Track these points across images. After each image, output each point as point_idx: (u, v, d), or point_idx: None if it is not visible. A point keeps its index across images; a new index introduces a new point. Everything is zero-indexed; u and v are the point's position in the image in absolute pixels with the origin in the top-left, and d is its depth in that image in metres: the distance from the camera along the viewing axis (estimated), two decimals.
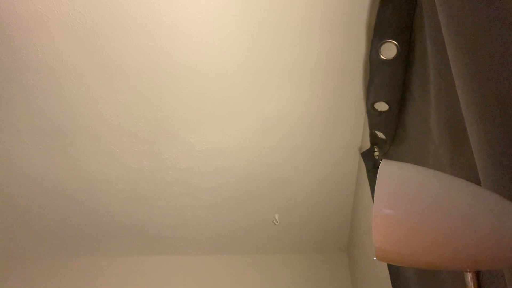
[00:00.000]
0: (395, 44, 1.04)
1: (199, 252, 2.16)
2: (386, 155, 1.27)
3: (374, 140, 1.35)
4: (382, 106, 1.18)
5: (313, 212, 1.91)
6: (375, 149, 1.37)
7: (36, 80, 1.33)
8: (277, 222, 1.94)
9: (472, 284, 0.50)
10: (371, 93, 1.19)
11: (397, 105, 1.13)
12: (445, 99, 0.81)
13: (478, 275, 0.50)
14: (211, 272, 2.14)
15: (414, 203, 0.49)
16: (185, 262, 2.16)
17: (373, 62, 1.12)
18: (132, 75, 1.33)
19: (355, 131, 1.53)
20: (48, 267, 2.10)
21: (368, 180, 1.41)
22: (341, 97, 1.40)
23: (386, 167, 0.52)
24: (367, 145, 1.42)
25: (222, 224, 1.97)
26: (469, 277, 0.50)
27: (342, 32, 1.21)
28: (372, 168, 1.40)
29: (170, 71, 1.32)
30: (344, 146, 1.59)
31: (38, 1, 1.14)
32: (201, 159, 1.63)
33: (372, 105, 1.20)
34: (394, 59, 1.05)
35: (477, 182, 0.62)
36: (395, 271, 1.24)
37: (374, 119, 1.24)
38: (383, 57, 1.07)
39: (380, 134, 1.27)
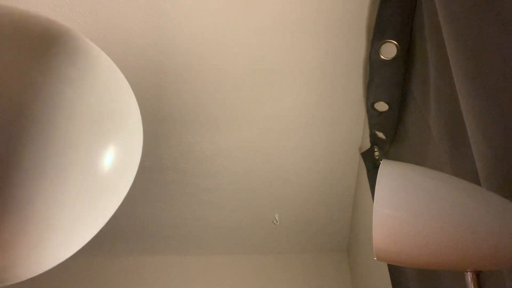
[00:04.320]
0: (395, 44, 1.04)
1: (199, 252, 2.16)
2: (386, 155, 1.27)
3: (374, 140, 1.35)
4: (382, 106, 1.18)
5: (313, 212, 1.91)
6: (375, 149, 1.37)
7: None
8: (277, 222, 1.94)
9: (472, 284, 0.50)
10: (371, 93, 1.19)
11: (397, 105, 1.13)
12: (445, 99, 0.81)
13: (478, 275, 0.50)
14: (211, 272, 2.14)
15: (414, 203, 0.49)
16: (185, 262, 2.16)
17: (373, 62, 1.12)
18: (132, 75, 1.33)
19: (355, 131, 1.53)
20: None
21: (368, 180, 1.41)
22: (341, 97, 1.40)
23: (386, 167, 0.52)
24: (367, 145, 1.42)
25: (222, 224, 1.97)
26: (469, 277, 0.50)
27: (342, 32, 1.21)
28: (372, 168, 1.40)
29: (170, 71, 1.32)
30: (344, 146, 1.59)
31: (38, 1, 1.14)
32: (201, 159, 1.63)
33: (372, 105, 1.20)
34: (394, 59, 1.06)
35: (477, 182, 0.62)
36: (395, 271, 1.24)
37: (374, 119, 1.24)
38: (383, 57, 1.07)
39: (380, 134, 1.27)
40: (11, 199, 0.54)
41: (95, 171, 0.62)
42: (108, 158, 0.64)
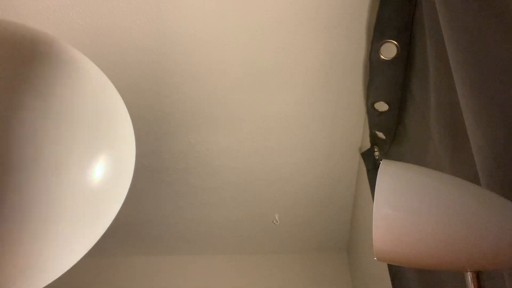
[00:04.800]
0: (395, 44, 1.04)
1: (199, 252, 2.16)
2: (386, 155, 1.27)
3: (374, 140, 1.35)
4: (382, 106, 1.18)
5: (313, 212, 1.91)
6: (375, 149, 1.37)
7: None
8: (277, 222, 1.94)
9: (472, 284, 0.50)
10: (371, 93, 1.19)
11: (397, 105, 1.13)
12: (445, 99, 0.81)
13: (478, 275, 0.50)
14: (211, 272, 2.14)
15: (414, 203, 0.49)
16: (185, 262, 2.16)
17: (373, 62, 1.12)
18: (132, 75, 1.33)
19: (355, 131, 1.53)
20: None
21: (368, 180, 1.41)
22: (341, 97, 1.40)
23: (386, 167, 0.52)
24: (367, 145, 1.42)
25: (222, 224, 1.97)
26: (469, 277, 0.50)
27: (342, 32, 1.21)
28: (372, 168, 1.40)
29: (170, 71, 1.32)
30: (344, 146, 1.59)
31: (38, 1, 1.14)
32: (201, 159, 1.63)
33: (372, 105, 1.20)
34: (394, 59, 1.06)
35: (477, 182, 0.62)
36: (395, 271, 1.24)
37: (374, 119, 1.24)
38: (383, 57, 1.07)
39: (380, 134, 1.27)
40: (7, 214, 0.52)
41: (90, 183, 0.61)
42: (102, 169, 0.62)
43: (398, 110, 1.14)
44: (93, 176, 0.61)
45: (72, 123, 0.59)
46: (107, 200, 0.67)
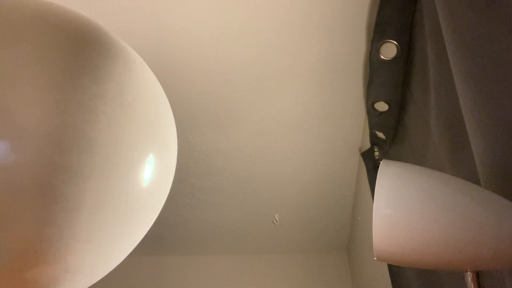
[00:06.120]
0: (395, 44, 1.04)
1: (199, 252, 2.16)
2: (386, 155, 1.27)
3: (374, 140, 1.35)
4: (382, 106, 1.18)
5: (313, 212, 1.91)
6: (375, 149, 1.37)
7: None
8: (277, 222, 1.94)
9: (472, 284, 0.50)
10: (371, 93, 1.19)
11: (397, 105, 1.13)
12: (445, 99, 0.81)
13: (478, 275, 0.50)
14: (211, 272, 2.14)
15: (414, 203, 0.49)
16: (185, 262, 2.16)
17: (373, 62, 1.12)
18: None
19: (355, 131, 1.53)
20: None
21: (368, 180, 1.41)
22: (341, 97, 1.40)
23: (386, 167, 0.52)
24: (367, 145, 1.42)
25: (222, 224, 1.97)
26: (469, 277, 0.50)
27: (342, 32, 1.21)
28: (372, 168, 1.40)
29: (170, 71, 1.32)
30: (344, 146, 1.59)
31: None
32: (201, 159, 1.63)
33: (372, 105, 1.20)
34: (394, 59, 1.06)
35: (477, 182, 0.62)
36: (395, 271, 1.24)
37: (374, 119, 1.24)
38: (383, 57, 1.07)
39: (380, 134, 1.27)
40: (56, 216, 0.50)
41: (140, 183, 0.59)
42: (148, 173, 0.61)
43: (398, 110, 1.14)
44: (143, 176, 0.59)
45: (126, 111, 0.57)
46: (153, 200, 0.66)
